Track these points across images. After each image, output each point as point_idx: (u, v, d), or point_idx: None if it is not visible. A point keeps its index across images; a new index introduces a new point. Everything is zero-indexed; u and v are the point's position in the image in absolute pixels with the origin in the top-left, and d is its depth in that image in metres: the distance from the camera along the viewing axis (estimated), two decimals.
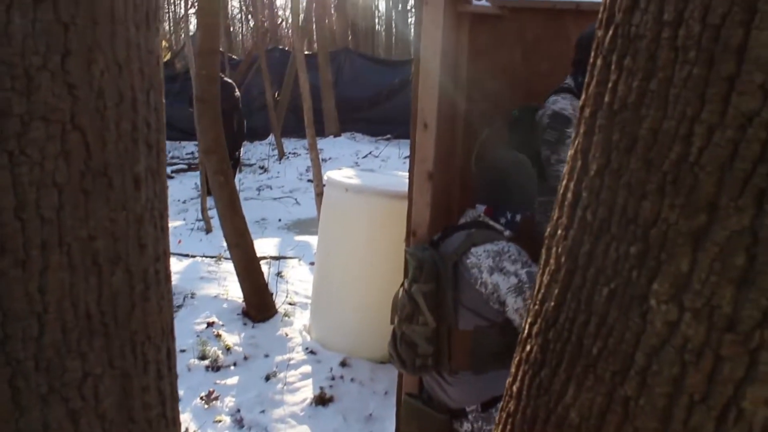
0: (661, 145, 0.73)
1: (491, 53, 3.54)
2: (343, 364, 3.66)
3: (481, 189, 2.35)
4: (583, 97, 0.89)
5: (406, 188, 3.57)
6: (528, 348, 0.95)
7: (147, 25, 0.96)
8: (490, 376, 2.12)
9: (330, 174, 4.02)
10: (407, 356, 2.22)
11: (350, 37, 18.18)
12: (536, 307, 0.95)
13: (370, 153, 11.03)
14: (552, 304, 0.90)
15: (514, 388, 0.98)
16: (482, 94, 3.43)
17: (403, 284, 2.34)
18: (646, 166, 0.76)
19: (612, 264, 0.80)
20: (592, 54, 0.88)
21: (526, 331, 0.98)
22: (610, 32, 0.82)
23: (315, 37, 13.25)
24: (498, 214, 2.27)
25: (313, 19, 12.55)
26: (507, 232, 2.25)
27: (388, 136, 12.31)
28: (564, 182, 0.92)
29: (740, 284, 0.68)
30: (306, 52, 12.35)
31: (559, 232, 0.90)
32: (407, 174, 4.94)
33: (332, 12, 16.39)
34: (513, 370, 1.01)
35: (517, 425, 0.95)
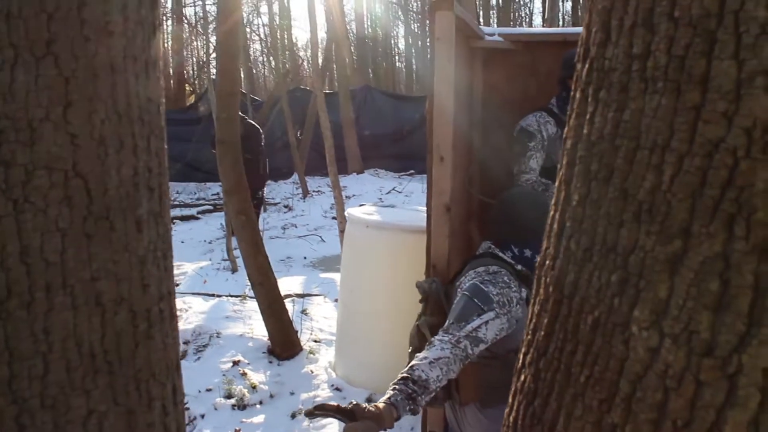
0: (636, 175, 0.75)
1: (505, 87, 3.59)
2: (369, 400, 3.64)
3: (488, 222, 2.37)
4: (566, 129, 0.91)
5: (425, 223, 3.60)
6: (522, 378, 0.96)
7: (146, 75, 1.01)
8: (496, 413, 2.09)
9: (351, 211, 4.06)
10: None
11: (371, 75, 18.46)
12: (528, 337, 0.96)
13: (393, 189, 11.09)
14: (542, 333, 0.91)
15: (511, 419, 0.98)
16: (497, 127, 3.47)
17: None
18: (623, 195, 0.77)
19: (595, 292, 0.81)
20: (573, 87, 0.90)
21: (520, 361, 0.98)
22: (586, 66, 0.85)
23: (335, 75, 13.49)
24: (503, 248, 2.27)
25: (333, 59, 12.79)
26: (519, 267, 2.24)
27: (411, 171, 12.39)
28: (551, 213, 0.93)
29: (716, 309, 0.68)
30: (326, 91, 12.58)
31: (547, 262, 0.92)
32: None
33: (352, 50, 16.69)
34: (510, 400, 1.01)
35: None
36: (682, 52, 0.69)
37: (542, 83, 3.49)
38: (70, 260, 0.88)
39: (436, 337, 1.88)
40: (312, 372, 4.08)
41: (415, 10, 21.02)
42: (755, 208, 0.65)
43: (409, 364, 1.66)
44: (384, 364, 3.72)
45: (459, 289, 2.12)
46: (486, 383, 2.09)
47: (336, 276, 6.67)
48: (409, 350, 2.32)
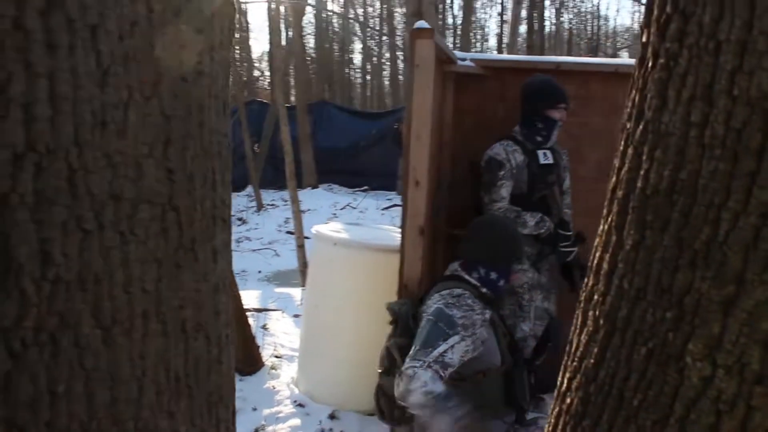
0: (692, 227, 0.87)
1: (475, 111, 3.73)
2: (332, 416, 3.68)
3: (460, 243, 2.50)
4: (614, 180, 1.03)
5: (393, 242, 3.69)
6: (568, 401, 1.06)
7: (224, 112, 1.08)
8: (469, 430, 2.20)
9: (318, 228, 4.11)
10: (386, 408, 2.31)
11: (326, 90, 18.56)
12: (575, 364, 1.07)
13: (348, 205, 11.17)
14: (591, 361, 1.01)
15: None
16: (467, 151, 3.61)
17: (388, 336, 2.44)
18: (678, 243, 0.89)
19: (649, 327, 0.92)
20: (621, 144, 1.02)
21: (565, 386, 1.09)
22: (641, 126, 0.96)
23: (293, 89, 13.51)
24: (470, 269, 2.37)
25: (291, 72, 12.83)
26: (484, 290, 2.33)
27: (365, 187, 12.49)
28: (598, 254, 1.05)
29: (766, 345, 0.80)
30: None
31: (596, 297, 1.03)
32: (392, 227, 5.06)
33: (308, 65, 16.76)
34: (552, 420, 1.11)
35: None
36: (740, 126, 0.82)
37: (510, 108, 3.66)
38: (164, 289, 0.93)
39: (406, 363, 1.98)
40: (274, 388, 4.09)
41: (371, 26, 21.31)
42: None
43: None
44: (348, 381, 3.77)
45: (424, 314, 2.22)
46: None
47: (292, 291, 6.68)
48: (379, 371, 2.40)
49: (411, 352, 2.02)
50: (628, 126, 1.01)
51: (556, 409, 1.10)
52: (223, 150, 1.08)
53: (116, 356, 0.87)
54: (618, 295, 0.97)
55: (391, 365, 2.30)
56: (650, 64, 0.96)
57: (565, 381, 1.09)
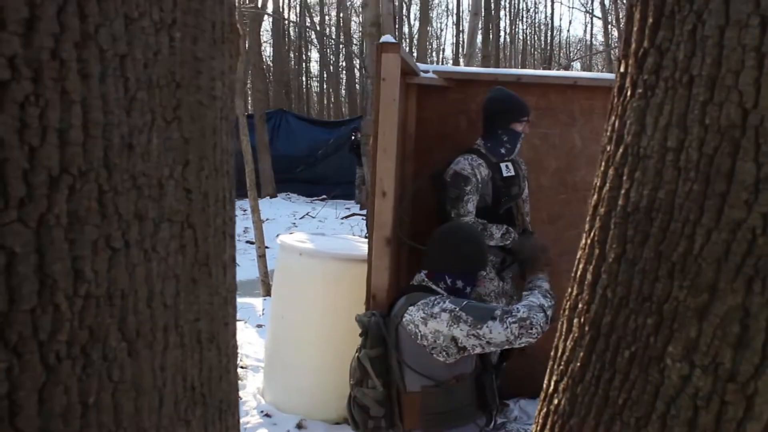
0: (670, 241, 0.97)
1: (437, 122, 3.83)
2: (299, 426, 3.70)
3: (424, 254, 2.51)
4: (595, 197, 1.13)
5: (358, 251, 3.74)
6: (555, 401, 1.15)
7: (231, 134, 1.13)
8: None
9: (283, 238, 4.13)
10: (360, 418, 2.34)
11: (284, 98, 18.53)
12: (561, 367, 1.16)
13: (307, 214, 11.17)
14: (578, 364, 1.11)
15: None
16: (429, 162, 3.69)
17: (358, 348, 2.46)
18: (657, 256, 0.99)
19: (632, 332, 1.02)
20: (602, 164, 1.12)
21: (552, 388, 1.18)
22: (621, 150, 1.07)
23: (249, 98, 13.45)
24: (437, 278, 2.39)
25: (249, 82, 12.78)
26: (450, 299, 2.32)
27: (323, 196, 12.52)
28: (581, 266, 1.14)
29: (737, 346, 0.91)
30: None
31: (581, 305, 1.12)
32: (355, 237, 5.09)
33: (267, 73, 16.71)
34: (540, 420, 1.20)
35: None
36: (712, 151, 0.92)
37: (472, 120, 3.76)
38: (181, 303, 0.98)
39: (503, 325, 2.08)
40: (241, 398, 4.10)
41: (327, 33, 21.37)
42: None
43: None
44: (315, 390, 3.79)
45: (413, 326, 2.22)
46: (429, 411, 2.20)
47: (254, 300, 6.66)
48: (351, 382, 2.45)
49: (500, 317, 2.10)
50: (609, 148, 1.11)
51: (544, 410, 1.19)
52: (230, 169, 1.14)
53: (140, 368, 0.92)
54: (602, 303, 1.07)
55: (363, 376, 2.34)
56: (629, 93, 1.06)
57: (552, 384, 1.18)
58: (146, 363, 0.93)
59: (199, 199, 1.01)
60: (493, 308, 2.14)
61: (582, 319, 1.11)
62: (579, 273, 1.14)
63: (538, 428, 1.20)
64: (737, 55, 0.88)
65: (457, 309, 2.12)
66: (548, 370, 1.21)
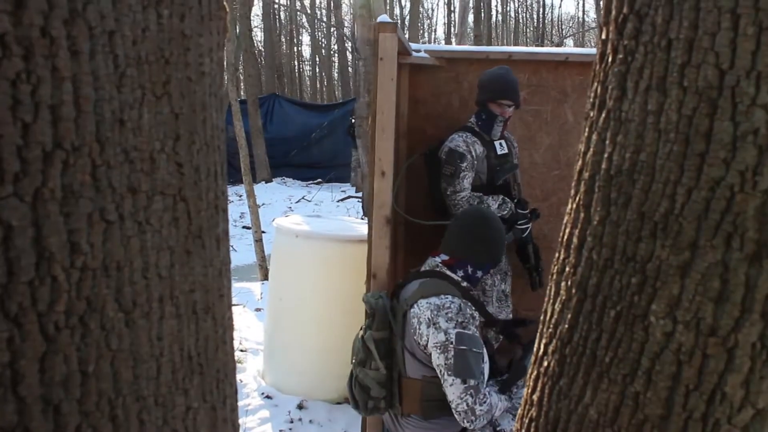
0: (652, 202, 0.99)
1: (430, 101, 3.85)
2: (300, 406, 3.75)
3: (446, 238, 2.45)
4: (579, 163, 1.15)
5: (354, 232, 3.77)
6: (545, 363, 1.18)
7: (222, 109, 1.15)
8: (441, 422, 2.26)
9: (279, 221, 4.15)
10: (360, 398, 2.37)
11: (276, 83, 18.45)
12: (550, 330, 1.18)
13: (303, 198, 11.19)
14: (566, 326, 1.13)
15: (534, 397, 1.20)
16: (422, 140, 3.71)
17: (362, 327, 2.48)
18: (640, 217, 1.01)
19: (617, 292, 1.04)
20: (586, 130, 1.14)
21: (541, 351, 1.21)
22: (603, 114, 1.09)
23: (242, 83, 13.39)
24: (457, 266, 2.36)
25: (240, 67, 12.72)
26: (464, 284, 2.34)
27: (319, 180, 12.53)
28: (567, 230, 1.17)
29: (718, 301, 0.93)
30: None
31: (567, 269, 1.15)
32: (351, 218, 5.10)
33: (258, 58, 16.63)
34: (531, 383, 1.23)
35: (540, 427, 1.17)
36: (690, 112, 0.94)
37: (465, 98, 3.78)
38: (176, 274, 1.00)
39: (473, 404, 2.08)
40: (241, 381, 4.14)
41: (318, 17, 21.22)
42: (747, 229, 0.90)
43: None
44: (315, 371, 3.84)
45: (417, 320, 2.19)
46: (429, 398, 2.23)
47: (251, 285, 6.70)
48: (353, 361, 2.47)
49: (466, 386, 2.08)
50: (592, 114, 1.13)
51: (534, 373, 1.22)
52: (221, 144, 1.15)
53: (137, 337, 0.94)
54: (588, 265, 1.09)
55: (366, 357, 2.36)
56: (610, 59, 1.08)
57: (542, 347, 1.21)
58: (143, 332, 0.95)
59: (190, 172, 1.03)
60: (476, 376, 2.10)
61: (569, 282, 1.13)
62: (566, 237, 1.17)
63: (529, 391, 1.23)
64: (713, 17, 0.90)
65: (453, 343, 2.10)
66: (538, 334, 1.24)
